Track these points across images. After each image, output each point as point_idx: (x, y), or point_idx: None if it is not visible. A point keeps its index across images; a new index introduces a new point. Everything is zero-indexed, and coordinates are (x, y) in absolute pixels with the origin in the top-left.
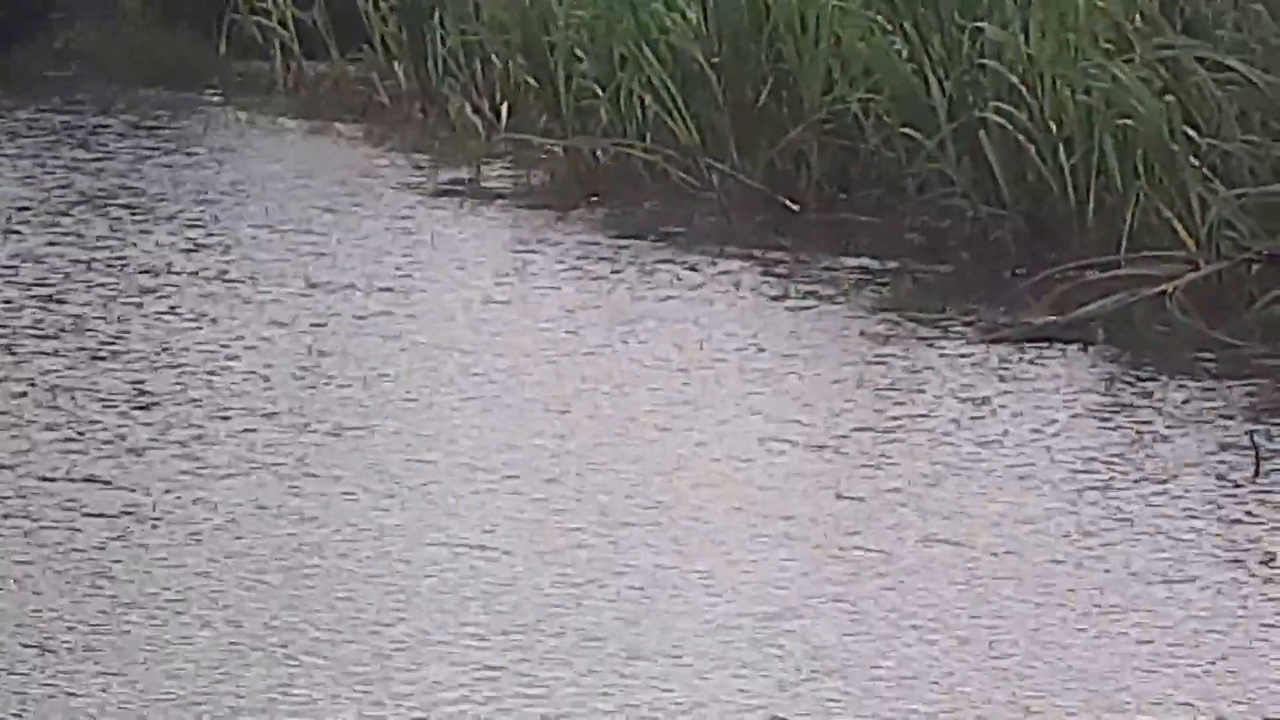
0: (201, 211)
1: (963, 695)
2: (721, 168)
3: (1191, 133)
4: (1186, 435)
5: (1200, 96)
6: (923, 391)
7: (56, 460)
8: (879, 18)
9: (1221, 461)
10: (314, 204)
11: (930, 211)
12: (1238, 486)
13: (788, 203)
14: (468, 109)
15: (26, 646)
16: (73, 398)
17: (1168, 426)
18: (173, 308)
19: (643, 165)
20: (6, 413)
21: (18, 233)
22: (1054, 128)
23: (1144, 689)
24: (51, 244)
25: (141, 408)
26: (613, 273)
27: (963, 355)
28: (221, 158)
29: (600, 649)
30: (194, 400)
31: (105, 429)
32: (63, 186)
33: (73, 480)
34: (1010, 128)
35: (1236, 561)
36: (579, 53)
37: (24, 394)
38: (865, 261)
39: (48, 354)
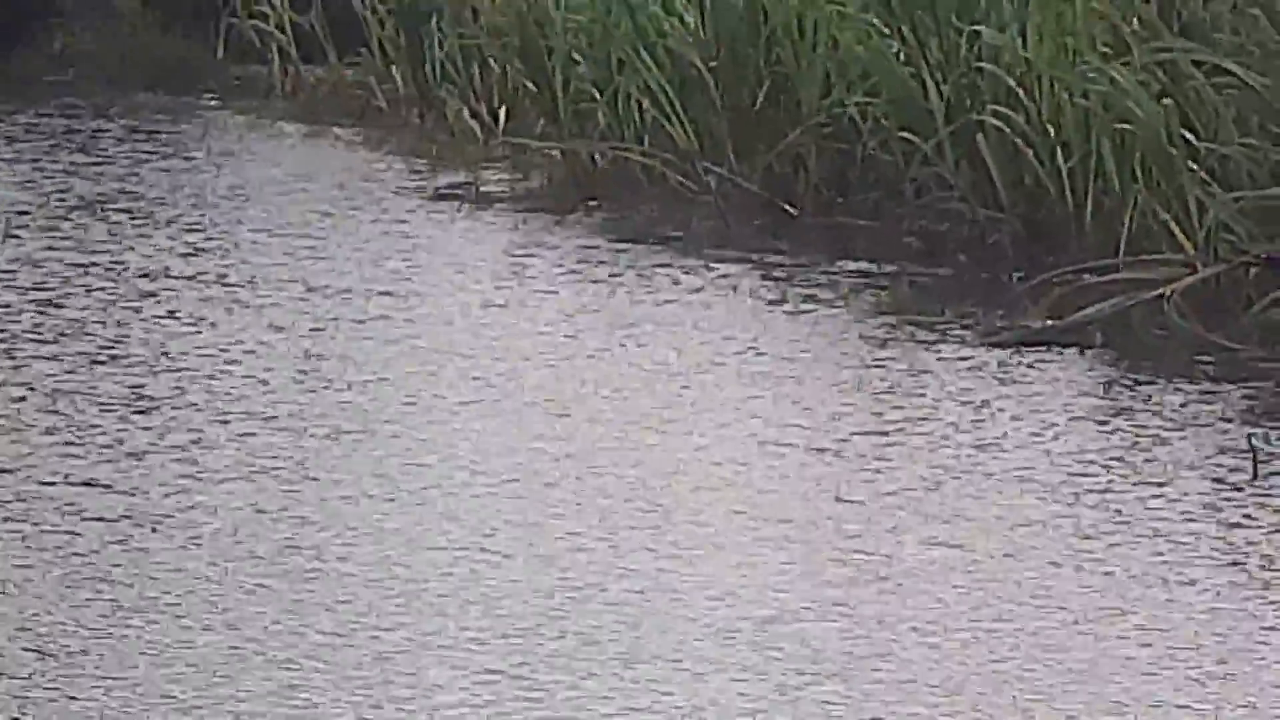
0: (200, 216)
1: (962, 698)
2: (719, 171)
3: (1189, 136)
4: (1185, 438)
5: (1198, 100)
6: (921, 395)
7: (56, 464)
8: (876, 21)
9: (1220, 464)
10: (312, 208)
11: (928, 215)
12: (1236, 489)
13: (786, 206)
14: (466, 113)
15: (27, 650)
16: (72, 402)
17: (1166, 429)
18: (172, 312)
19: (641, 169)
20: (6, 417)
21: (16, 237)
22: (1052, 131)
23: (1143, 691)
24: (50, 248)
25: (141, 412)
26: (611, 276)
27: (961, 359)
28: (219, 162)
29: (600, 652)
30: (193, 404)
31: (105, 433)
32: (61, 191)
33: (72, 484)
34: (1008, 131)
35: (1235, 564)
36: (577, 57)
37: (23, 398)
38: (863, 265)
39: (47, 358)
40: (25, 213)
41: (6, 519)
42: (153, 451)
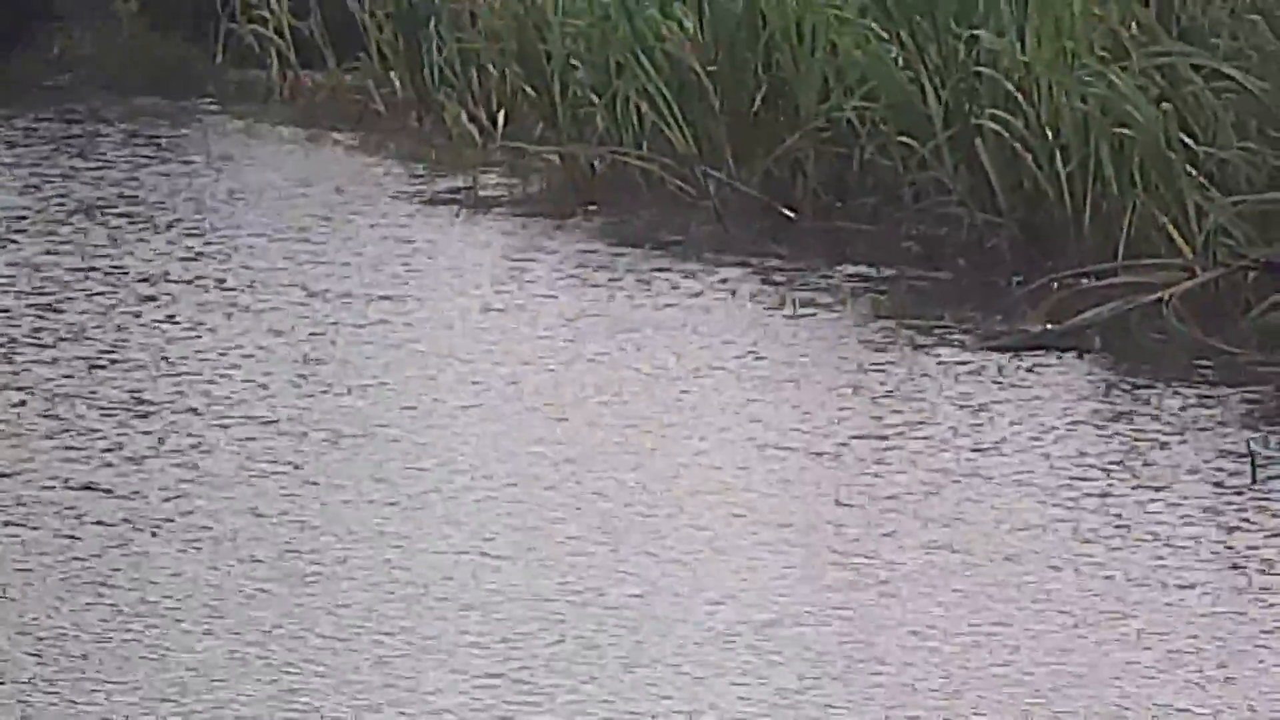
0: (199, 220)
1: (962, 702)
2: (718, 176)
3: (1188, 140)
4: (1184, 442)
5: (1197, 104)
6: (920, 399)
7: (55, 468)
8: (875, 26)
9: (1219, 469)
10: (311, 212)
11: (927, 219)
12: (1236, 494)
13: (785, 211)
14: (464, 117)
15: (27, 654)
16: (71, 406)
17: (1165, 434)
18: (171, 316)
19: (639, 173)
20: (6, 421)
21: (15, 242)
22: (1050, 135)
23: (1143, 695)
24: (49, 253)
25: (140, 416)
26: (610, 281)
27: (960, 363)
28: (218, 166)
29: (600, 656)
30: (192, 408)
31: (104, 437)
32: (60, 195)
33: (72, 488)
34: (1006, 135)
35: (1235, 568)
36: (575, 61)
37: (23, 402)
38: (862, 269)
39: (46, 363)
40: (24, 217)
41: (6, 523)
42: (152, 456)
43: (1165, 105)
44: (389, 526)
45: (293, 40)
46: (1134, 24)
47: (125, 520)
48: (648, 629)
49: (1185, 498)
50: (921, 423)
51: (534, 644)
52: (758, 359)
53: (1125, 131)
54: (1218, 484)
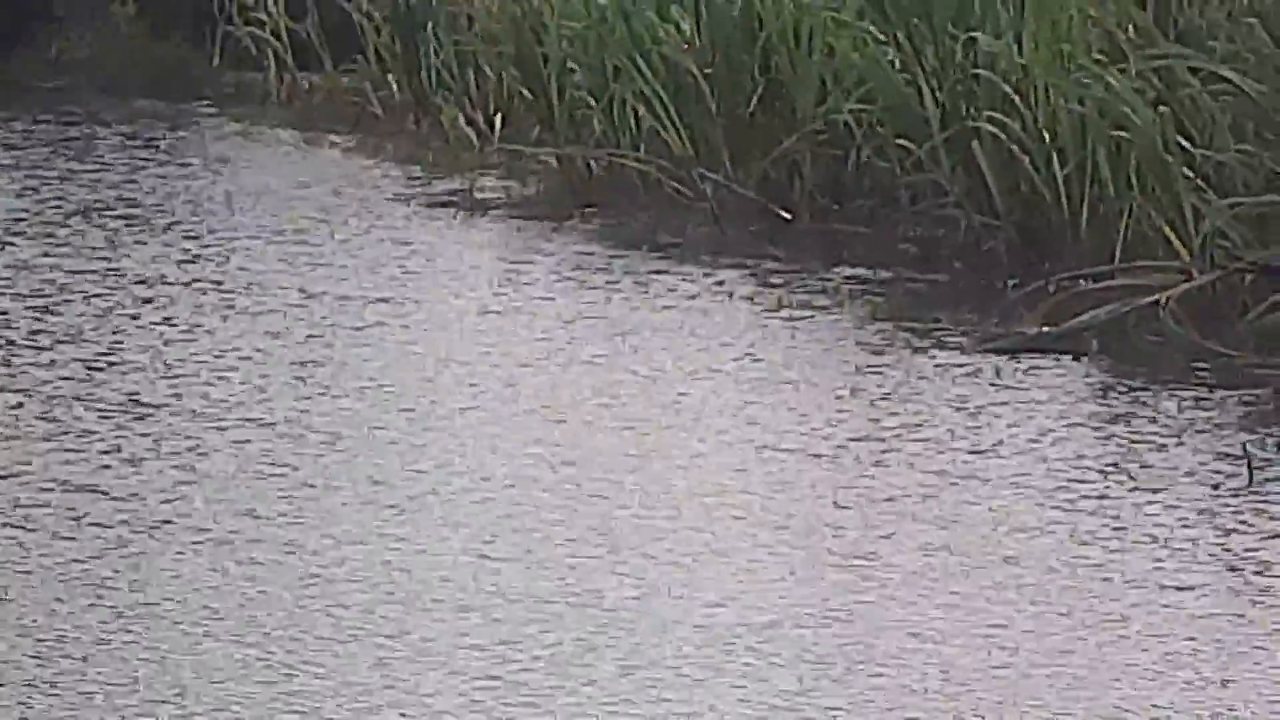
0: (197, 222)
1: (960, 704)
2: (715, 178)
3: (1185, 143)
4: (1181, 444)
5: (1194, 107)
6: (918, 401)
7: (54, 470)
8: (872, 28)
9: (1216, 471)
10: (308, 215)
11: (924, 221)
12: (1233, 495)
13: (781, 213)
14: (461, 120)
15: (26, 656)
16: (69, 408)
17: (1162, 436)
18: (168, 318)
19: (636, 176)
20: (4, 423)
21: (13, 244)
22: (1047, 138)
23: (1140, 696)
24: (47, 255)
25: (138, 418)
26: (608, 283)
27: (957, 365)
28: (216, 169)
29: (598, 658)
30: (190, 410)
31: (102, 439)
32: (58, 197)
33: (70, 490)
34: (1003, 138)
35: (1232, 570)
36: (572, 64)
37: (21, 404)
38: (859, 271)
39: (44, 365)
40: (22, 219)
41: (5, 525)
42: (150, 457)
43: (1162, 108)
44: (387, 528)
45: (290, 43)
46: (1131, 27)
47: (123, 522)
48: (646, 630)
49: (1182, 500)
50: (919, 425)
51: (532, 646)
52: (755, 361)
53: (1122, 134)
54: (1215, 486)
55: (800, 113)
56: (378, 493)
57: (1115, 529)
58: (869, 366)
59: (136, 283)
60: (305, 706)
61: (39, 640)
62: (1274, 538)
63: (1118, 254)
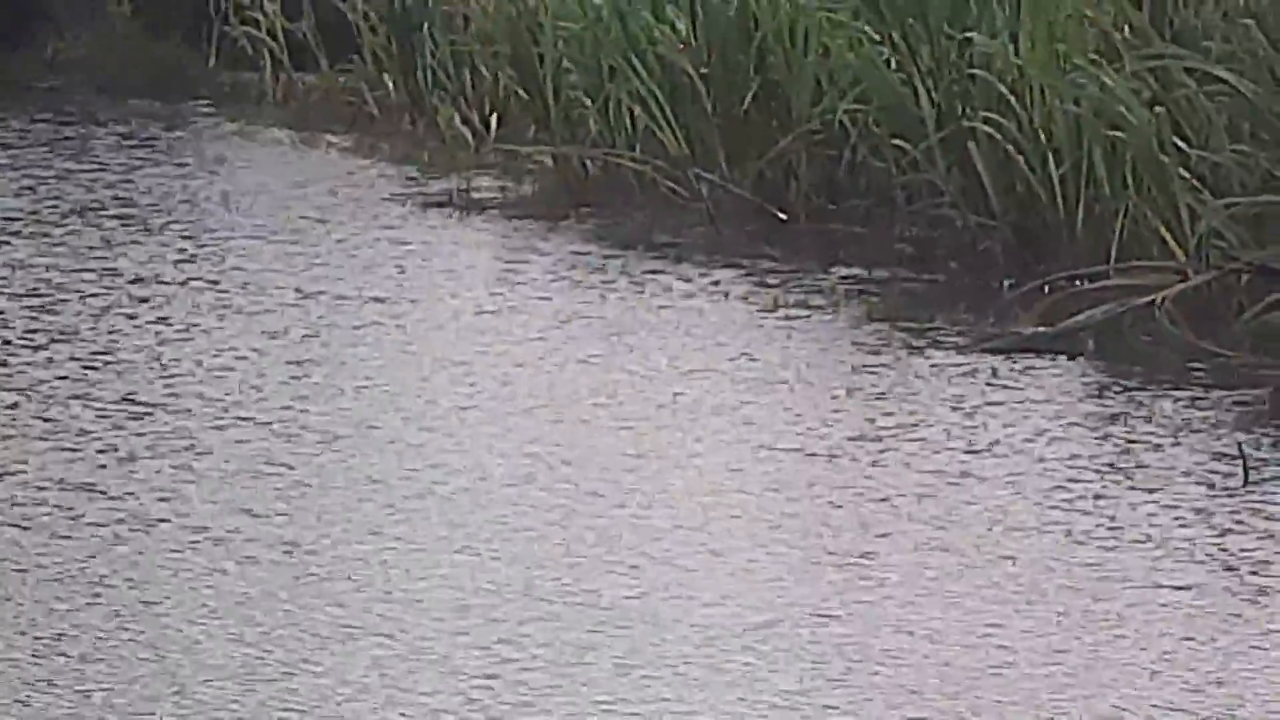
0: (193, 222)
1: (957, 703)
2: (711, 178)
3: (1181, 143)
4: (1177, 444)
5: (1189, 107)
6: (914, 401)
7: (50, 470)
8: (867, 28)
9: (1212, 471)
10: (305, 214)
11: (919, 221)
12: (1229, 495)
13: (777, 213)
14: (457, 120)
15: (25, 655)
16: (66, 407)
17: (1158, 436)
18: (164, 318)
19: (632, 176)
20: (0, 422)
21: (9, 243)
22: (1043, 138)
23: (1137, 696)
24: (43, 254)
25: (135, 417)
26: (603, 283)
27: (953, 365)
28: (212, 168)
29: (596, 658)
30: (187, 409)
31: (99, 438)
32: (54, 197)
33: (66, 489)
34: (999, 138)
35: (1229, 570)
36: (568, 64)
37: (17, 404)
38: (855, 271)
39: (40, 364)
40: (18, 219)
41: (2, 524)
42: (147, 457)
43: (1158, 108)
44: (384, 527)
45: (286, 43)
46: (1126, 27)
47: (120, 521)
48: (643, 630)
49: (1179, 499)
50: (915, 425)
51: (530, 645)
52: (751, 361)
53: (1118, 134)
54: (1211, 486)
55: (796, 113)
56: (375, 491)
57: (1111, 528)
58: (865, 366)
59: (133, 282)
60: (303, 705)
61: (37, 639)
62: (1270, 537)
63: (1113, 254)
